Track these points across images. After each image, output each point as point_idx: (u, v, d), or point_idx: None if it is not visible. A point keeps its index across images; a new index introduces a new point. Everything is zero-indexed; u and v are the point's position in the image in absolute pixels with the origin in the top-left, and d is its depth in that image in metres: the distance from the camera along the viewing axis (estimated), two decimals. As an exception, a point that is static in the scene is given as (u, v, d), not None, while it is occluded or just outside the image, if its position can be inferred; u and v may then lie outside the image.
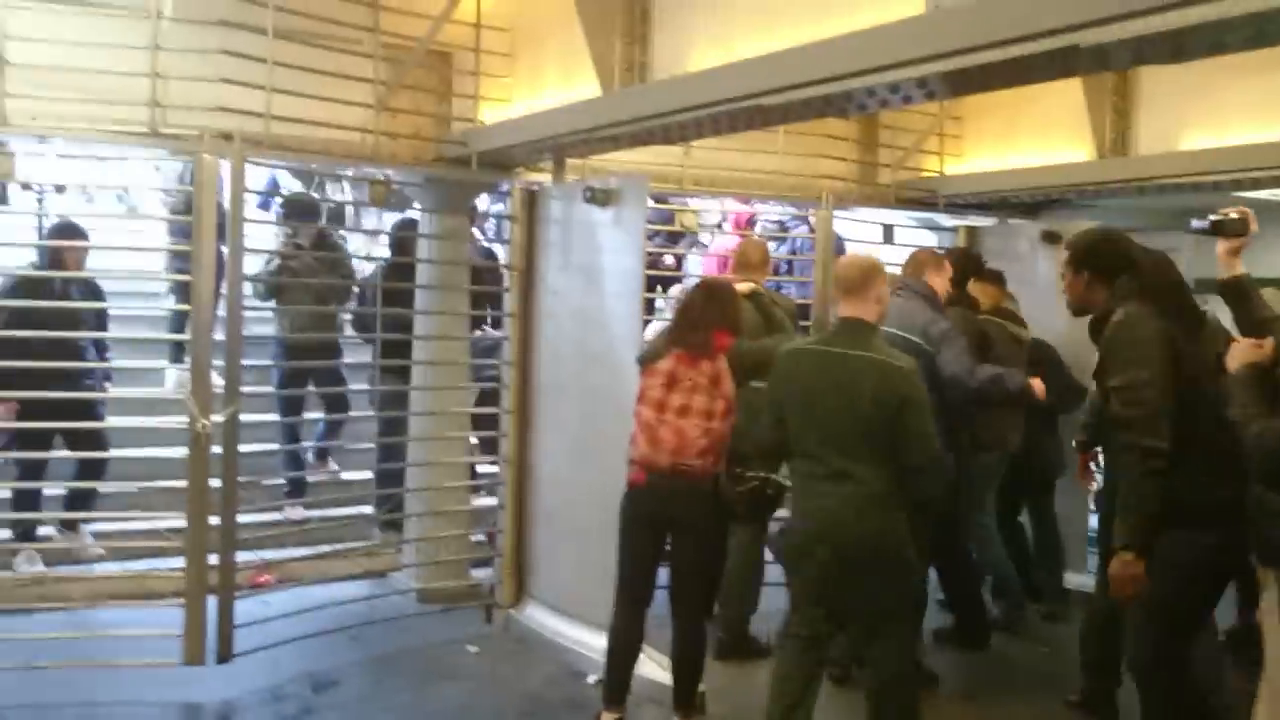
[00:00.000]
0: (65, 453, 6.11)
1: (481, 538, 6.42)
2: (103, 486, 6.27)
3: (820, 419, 3.86)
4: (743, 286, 5.20)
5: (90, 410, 6.03)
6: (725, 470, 4.50)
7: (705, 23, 4.63)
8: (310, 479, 7.48)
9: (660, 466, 4.40)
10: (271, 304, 7.21)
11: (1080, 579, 6.57)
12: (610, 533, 4.64)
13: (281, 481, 7.24)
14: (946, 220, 7.85)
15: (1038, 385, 5.20)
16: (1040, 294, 6.81)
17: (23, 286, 5.94)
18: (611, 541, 4.62)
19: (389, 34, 5.53)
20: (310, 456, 7.72)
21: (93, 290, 6.34)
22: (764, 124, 4.68)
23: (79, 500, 6.35)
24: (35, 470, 6.05)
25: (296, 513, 6.92)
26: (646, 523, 4.53)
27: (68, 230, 6.28)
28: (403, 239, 7.17)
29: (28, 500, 6.11)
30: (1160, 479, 3.60)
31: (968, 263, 6.19)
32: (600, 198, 5.27)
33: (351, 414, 7.37)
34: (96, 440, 6.04)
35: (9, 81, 4.73)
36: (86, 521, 6.37)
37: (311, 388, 7.38)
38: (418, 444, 6.32)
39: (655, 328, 6.23)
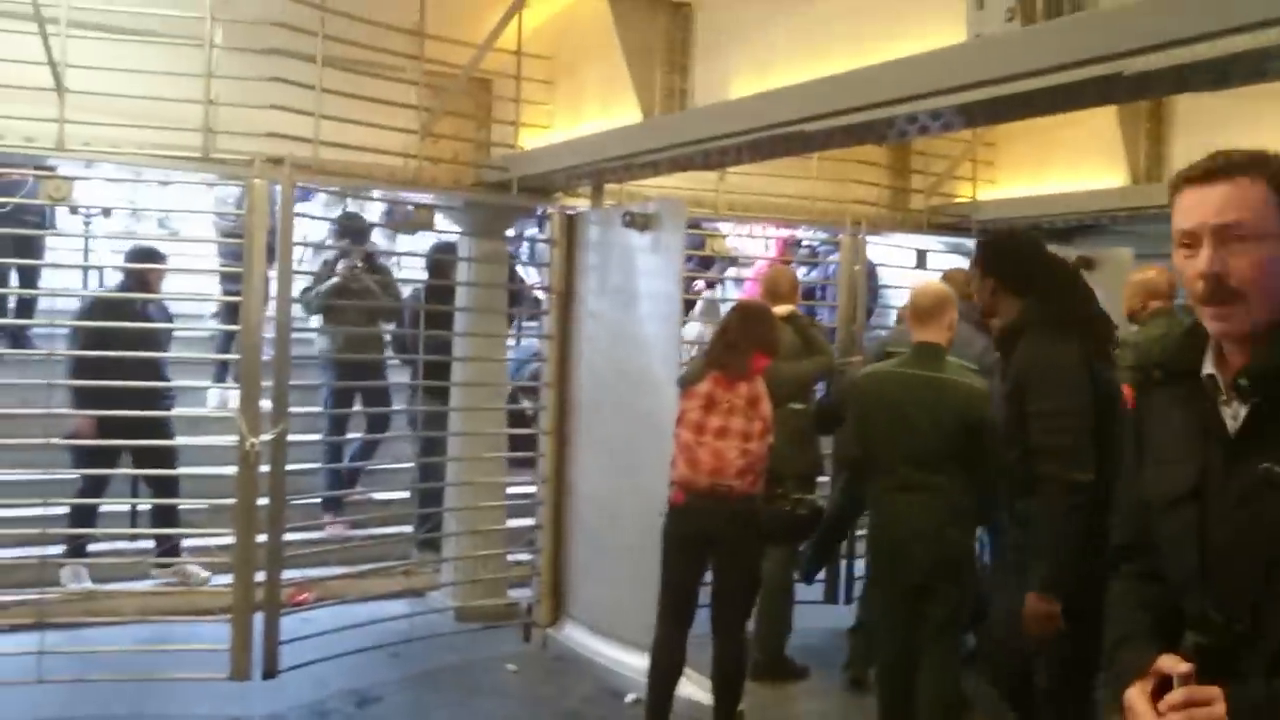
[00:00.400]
0: (136, 470, 6.30)
1: (521, 557, 6.46)
2: (149, 503, 6.38)
3: (904, 437, 4.07)
4: (780, 309, 5.27)
5: (166, 429, 6.17)
6: (764, 492, 4.58)
7: (745, 51, 4.72)
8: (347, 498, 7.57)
9: (699, 487, 4.46)
10: (317, 322, 7.34)
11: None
12: (649, 552, 4.69)
13: (319, 500, 7.31)
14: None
15: None
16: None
17: (101, 307, 6.05)
18: (650, 561, 4.67)
19: (432, 61, 5.65)
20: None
21: (166, 312, 6.61)
22: (803, 150, 4.77)
23: (165, 519, 6.40)
24: (99, 487, 6.18)
25: (338, 530, 6.99)
26: (687, 543, 4.59)
27: (151, 254, 6.45)
28: (439, 262, 7.27)
29: (87, 517, 6.23)
30: (1084, 515, 3.38)
31: None
32: (639, 222, 5.36)
33: (390, 434, 7.47)
34: (168, 459, 6.19)
35: (67, 108, 4.86)
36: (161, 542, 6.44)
37: (358, 406, 7.48)
38: (456, 464, 6.41)
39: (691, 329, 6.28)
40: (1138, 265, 6.68)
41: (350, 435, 7.54)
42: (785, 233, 8.82)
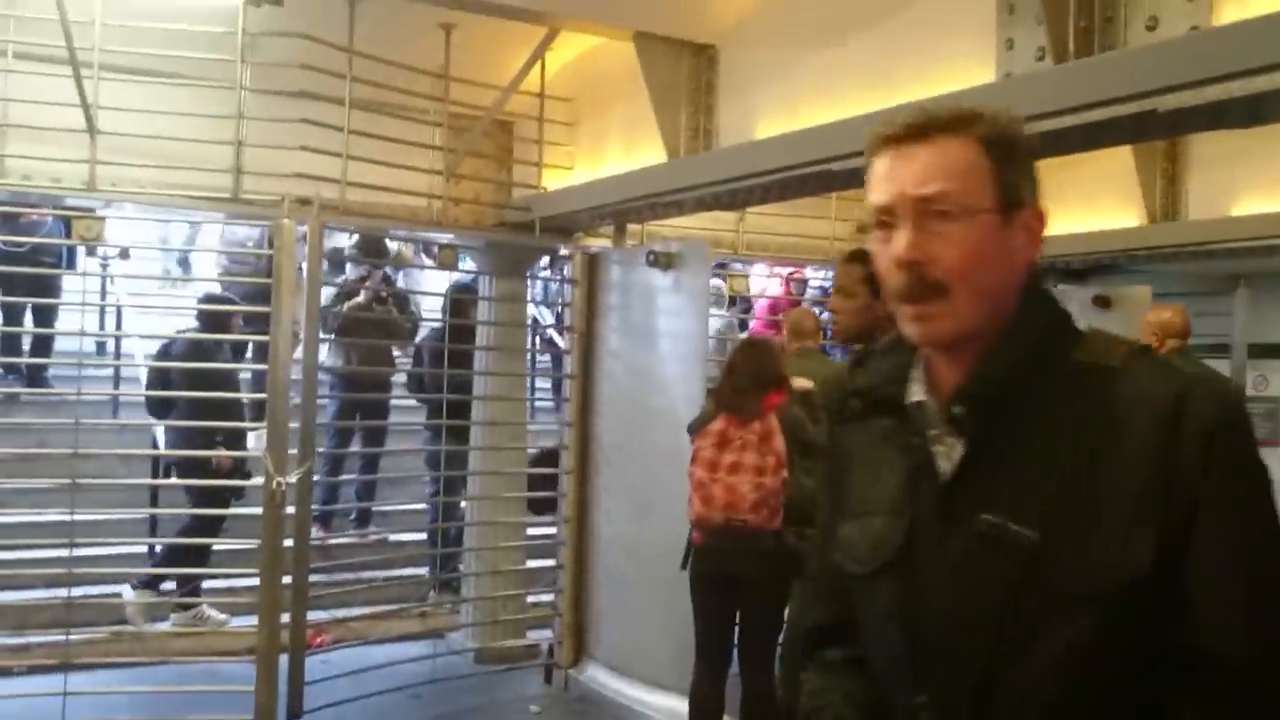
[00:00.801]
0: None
1: (542, 598, 6.43)
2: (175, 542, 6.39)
3: None
4: (796, 346, 5.34)
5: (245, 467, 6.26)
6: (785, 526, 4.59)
7: (772, 92, 4.77)
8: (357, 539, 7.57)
9: (714, 523, 4.47)
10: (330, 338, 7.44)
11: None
12: (672, 592, 4.70)
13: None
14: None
15: None
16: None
17: (184, 347, 6.36)
18: (673, 600, 4.69)
19: (455, 103, 5.70)
20: (353, 517, 7.82)
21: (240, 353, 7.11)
22: (830, 190, 4.80)
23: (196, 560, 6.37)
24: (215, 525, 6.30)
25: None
26: (711, 583, 4.59)
27: (226, 299, 6.85)
28: (458, 301, 7.30)
29: (200, 555, 6.25)
30: None
31: None
32: (663, 261, 5.39)
33: (408, 473, 7.48)
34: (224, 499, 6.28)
35: (99, 150, 4.91)
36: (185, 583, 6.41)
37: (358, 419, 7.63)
38: (476, 503, 6.40)
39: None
40: (1156, 304, 6.73)
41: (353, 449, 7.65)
42: (787, 270, 8.91)
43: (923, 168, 1.36)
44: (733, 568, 4.53)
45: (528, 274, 6.94)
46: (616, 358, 5.89)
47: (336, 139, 5.23)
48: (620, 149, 5.74)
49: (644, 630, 5.46)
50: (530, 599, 6.58)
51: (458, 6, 4.98)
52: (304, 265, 5.18)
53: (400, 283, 8.51)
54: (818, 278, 9.04)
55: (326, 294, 7.56)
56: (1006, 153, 1.39)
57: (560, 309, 9.39)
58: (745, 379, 4.59)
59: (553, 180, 6.14)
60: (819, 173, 4.24)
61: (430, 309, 9.11)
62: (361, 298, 7.47)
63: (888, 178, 1.39)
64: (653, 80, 5.02)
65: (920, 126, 1.38)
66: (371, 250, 7.83)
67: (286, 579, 4.97)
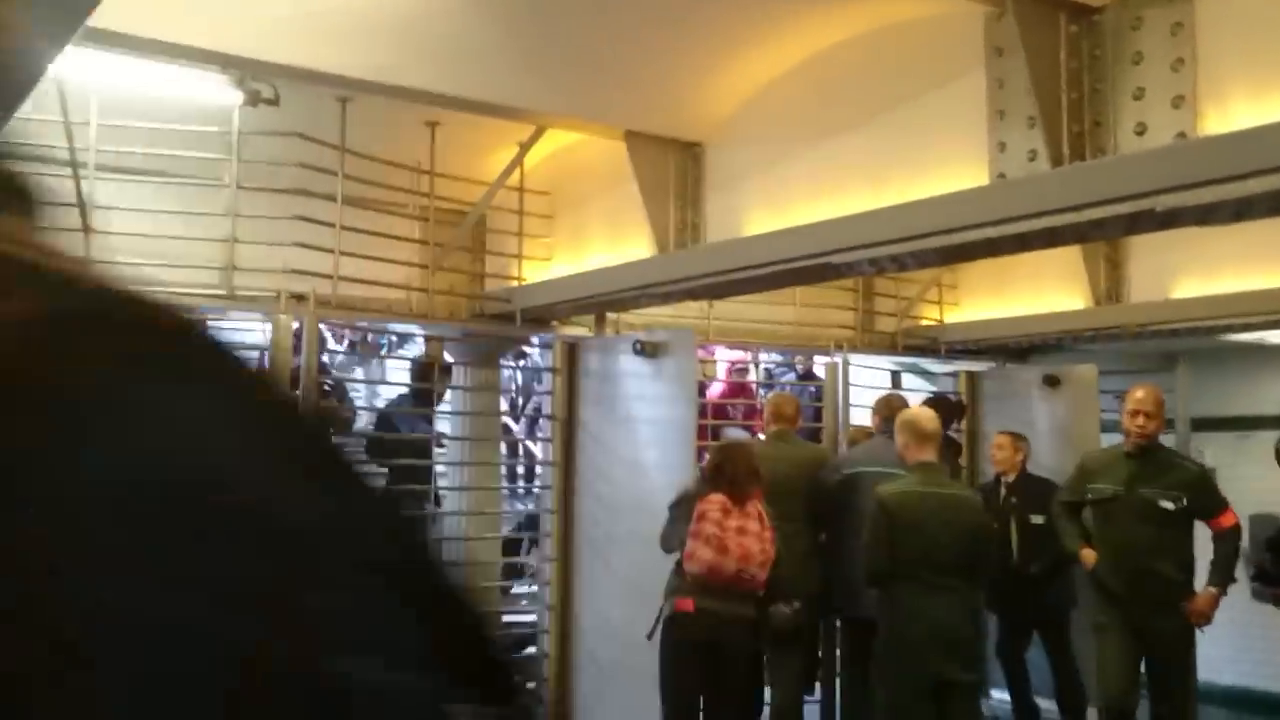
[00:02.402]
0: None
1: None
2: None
3: (927, 545, 4.69)
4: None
5: None
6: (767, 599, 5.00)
7: (760, 188, 4.99)
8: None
9: (726, 572, 4.69)
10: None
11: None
12: None
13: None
14: (942, 366, 8.24)
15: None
16: (1040, 434, 7.14)
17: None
18: None
19: (440, 198, 5.83)
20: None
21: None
22: (821, 280, 5.00)
23: None
24: None
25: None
26: (693, 650, 4.77)
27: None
28: (422, 366, 7.42)
29: None
30: None
31: (953, 409, 6.64)
32: (650, 349, 5.53)
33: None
34: None
35: (94, 249, 4.91)
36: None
37: None
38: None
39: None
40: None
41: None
42: (737, 354, 9.13)
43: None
44: (720, 635, 4.75)
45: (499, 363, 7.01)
46: (599, 444, 5.99)
47: (327, 235, 5.30)
48: (603, 241, 5.90)
49: (632, 716, 5.48)
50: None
51: (452, 106, 5.11)
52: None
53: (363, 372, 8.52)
54: (765, 360, 9.25)
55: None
56: None
57: (515, 395, 9.55)
58: (742, 474, 4.95)
59: (530, 272, 6.27)
60: (816, 266, 4.45)
61: (388, 395, 9.15)
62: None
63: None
64: (642, 176, 5.21)
65: None
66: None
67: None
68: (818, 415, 9.01)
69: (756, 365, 9.05)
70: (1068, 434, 7.23)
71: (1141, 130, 3.47)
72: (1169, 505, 5.19)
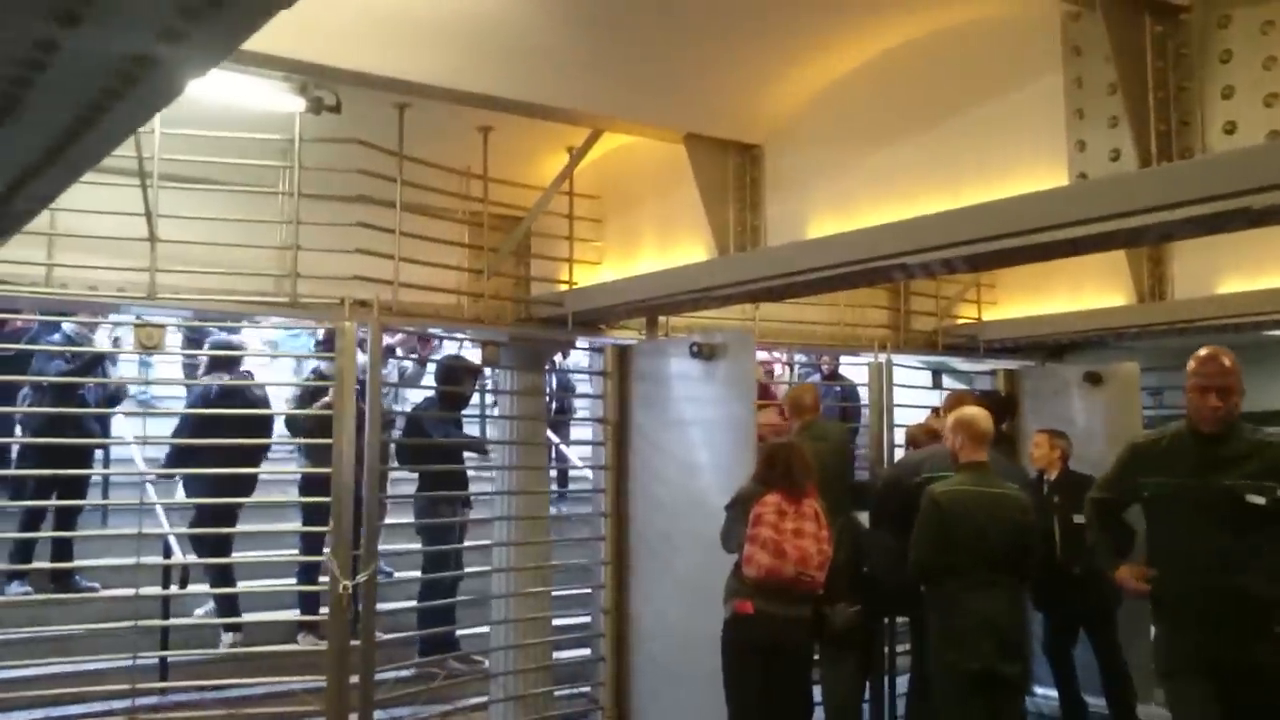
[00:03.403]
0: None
1: (580, 690, 6.41)
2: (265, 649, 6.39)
3: (977, 542, 4.78)
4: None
5: None
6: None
7: (823, 190, 4.99)
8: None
9: (785, 576, 4.74)
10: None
11: (1148, 710, 6.71)
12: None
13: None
14: (976, 365, 8.25)
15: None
16: (1080, 432, 7.15)
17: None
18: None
19: (494, 203, 5.83)
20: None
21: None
22: (884, 282, 5.01)
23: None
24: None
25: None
26: (753, 651, 4.85)
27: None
28: (450, 369, 7.44)
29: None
30: None
31: (1005, 405, 6.65)
32: (707, 352, 5.54)
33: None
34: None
35: (160, 258, 4.91)
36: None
37: None
38: (501, 601, 6.37)
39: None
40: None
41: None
42: (762, 356, 9.17)
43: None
44: (780, 637, 4.81)
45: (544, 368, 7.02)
46: (653, 446, 5.99)
47: (387, 241, 5.30)
48: (654, 245, 5.90)
49: (693, 717, 5.49)
50: (559, 693, 6.53)
51: (512, 110, 5.08)
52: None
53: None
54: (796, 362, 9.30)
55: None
56: None
57: (550, 399, 9.56)
58: (796, 470, 5.05)
59: (582, 275, 6.26)
60: (886, 267, 4.45)
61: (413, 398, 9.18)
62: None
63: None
64: (701, 179, 5.21)
65: None
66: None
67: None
68: (844, 415, 9.07)
69: (791, 367, 9.10)
70: (1109, 432, 7.24)
71: (1231, 129, 3.47)
72: (1259, 499, 3.93)
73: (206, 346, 7.70)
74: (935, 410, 6.93)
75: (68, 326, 7.03)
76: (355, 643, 4.94)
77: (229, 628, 6.75)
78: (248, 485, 6.82)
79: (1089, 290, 7.36)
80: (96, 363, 7.31)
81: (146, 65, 2.10)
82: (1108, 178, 3.69)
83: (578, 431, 10.03)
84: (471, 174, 5.73)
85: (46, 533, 7.09)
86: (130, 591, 5.47)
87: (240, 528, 6.91)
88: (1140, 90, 3.62)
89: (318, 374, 7.58)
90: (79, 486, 7.15)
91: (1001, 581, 4.81)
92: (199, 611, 7.05)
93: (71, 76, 2.15)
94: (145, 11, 1.82)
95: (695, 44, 4.66)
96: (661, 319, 6.44)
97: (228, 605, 6.72)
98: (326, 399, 6.52)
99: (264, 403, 7.24)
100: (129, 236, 4.85)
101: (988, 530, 4.79)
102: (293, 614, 6.86)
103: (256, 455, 6.88)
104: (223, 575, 6.63)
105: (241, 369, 7.60)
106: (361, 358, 5.12)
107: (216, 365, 7.23)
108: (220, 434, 6.11)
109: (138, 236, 4.86)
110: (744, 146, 5.29)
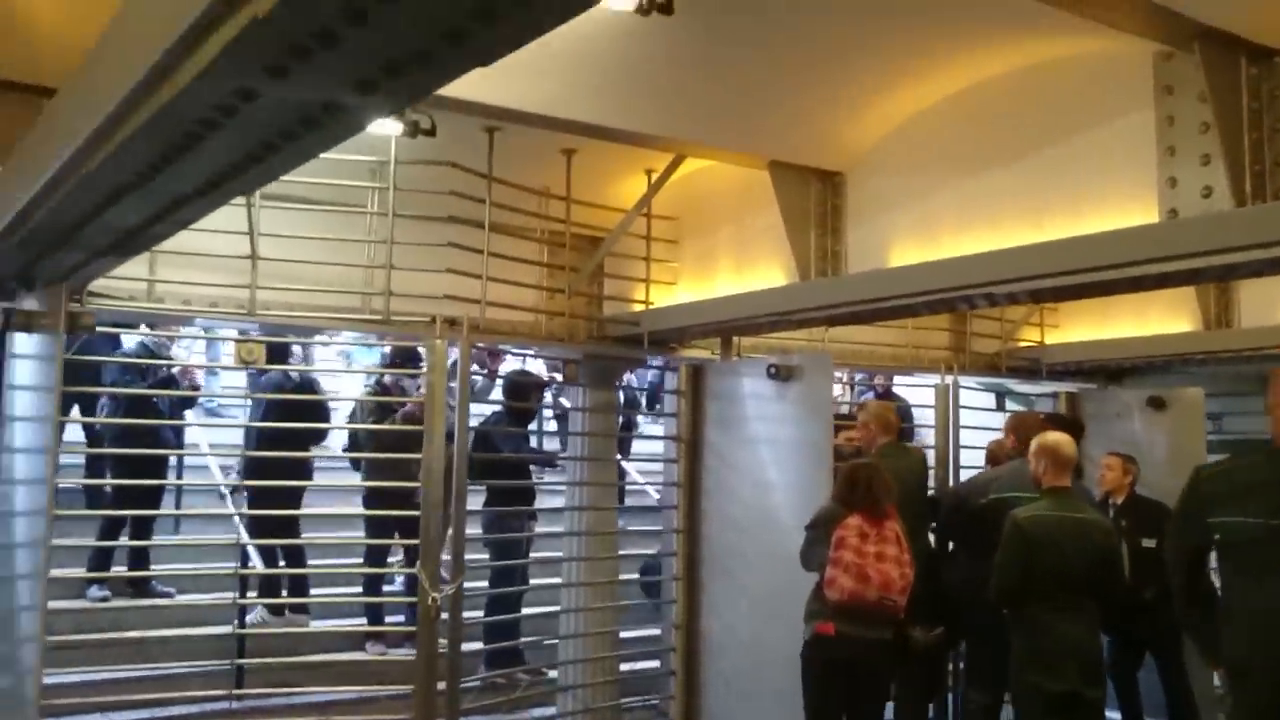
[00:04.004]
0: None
1: (650, 702, 6.51)
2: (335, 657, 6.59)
3: (1060, 566, 4.85)
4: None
5: None
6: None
7: (904, 218, 5.09)
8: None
9: (868, 601, 4.79)
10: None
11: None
12: (797, 695, 4.98)
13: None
14: (1036, 387, 8.31)
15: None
16: (1142, 456, 7.18)
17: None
18: (798, 703, 4.96)
19: (576, 224, 5.97)
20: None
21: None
22: (967, 309, 5.09)
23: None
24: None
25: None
26: (833, 671, 4.91)
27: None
28: (517, 384, 7.56)
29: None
30: None
31: (1076, 429, 6.69)
32: (784, 374, 5.64)
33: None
34: None
35: (260, 276, 5.08)
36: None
37: None
38: (570, 614, 6.48)
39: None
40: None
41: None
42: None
43: None
44: (863, 658, 4.89)
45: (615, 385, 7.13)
46: (726, 464, 6.09)
47: (474, 260, 5.44)
48: (731, 267, 6.02)
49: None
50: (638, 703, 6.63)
51: (600, 136, 5.21)
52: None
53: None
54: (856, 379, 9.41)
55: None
56: None
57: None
58: (878, 491, 5.07)
59: (658, 295, 6.38)
60: (971, 296, 4.55)
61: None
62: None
63: None
64: (784, 204, 5.32)
65: None
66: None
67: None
68: (899, 434, 9.15)
69: (852, 387, 9.19)
70: (1171, 457, 7.27)
71: (1328, 169, 3.55)
72: None
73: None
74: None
75: (145, 339, 7.22)
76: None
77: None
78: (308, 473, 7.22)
79: (1154, 315, 7.40)
80: (172, 375, 7.53)
81: (332, 111, 2.24)
82: (1201, 215, 3.76)
83: (639, 447, 10.15)
84: (555, 195, 5.87)
85: (121, 540, 7.30)
86: (209, 598, 5.62)
87: (306, 537, 7.14)
88: (1235, 129, 3.71)
89: (381, 387, 7.73)
90: (155, 494, 7.36)
91: (1084, 605, 4.89)
92: (250, 618, 7.18)
93: (258, 121, 2.29)
94: (351, 66, 1.94)
95: (782, 74, 4.76)
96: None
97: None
98: (408, 410, 6.72)
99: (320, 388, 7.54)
100: (232, 254, 5.01)
101: (1071, 555, 4.86)
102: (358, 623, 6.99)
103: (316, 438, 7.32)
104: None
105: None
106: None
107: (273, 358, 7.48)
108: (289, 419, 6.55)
109: (240, 254, 5.02)
110: (826, 173, 5.40)
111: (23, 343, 4.13)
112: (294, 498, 7.02)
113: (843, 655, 4.95)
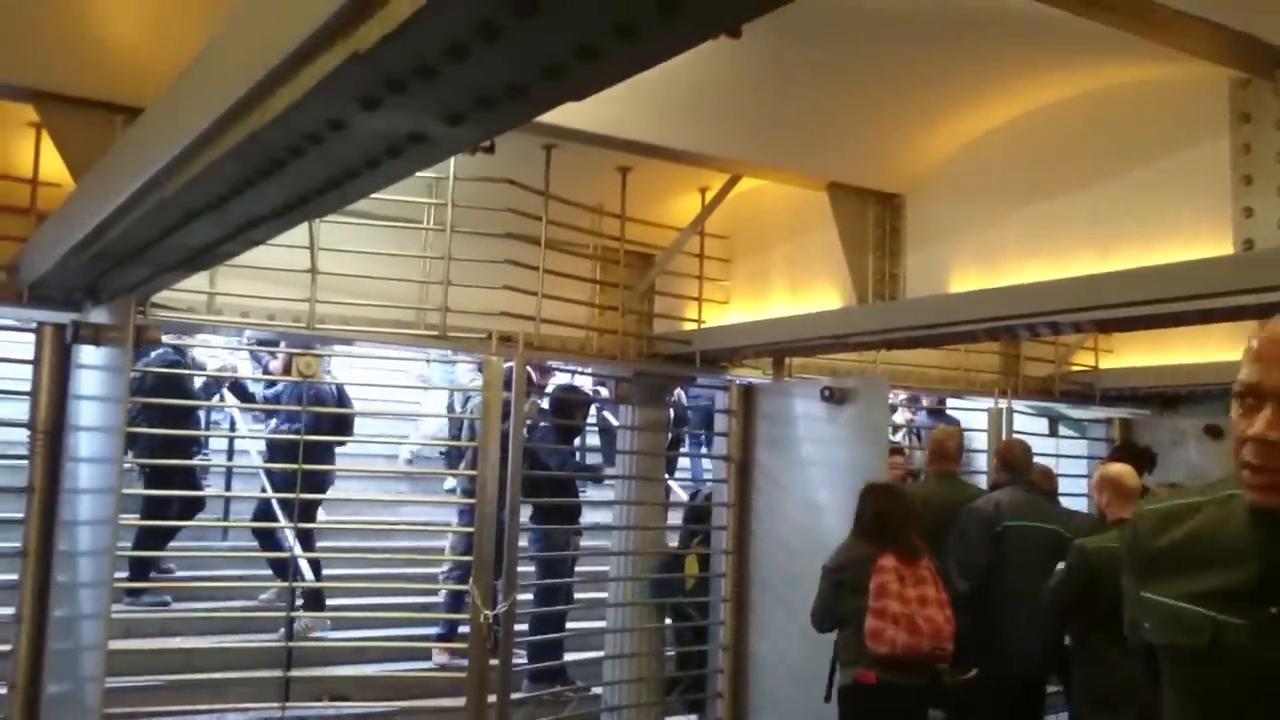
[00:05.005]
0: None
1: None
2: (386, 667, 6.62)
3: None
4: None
5: None
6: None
7: (965, 242, 5.04)
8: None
9: (922, 653, 4.65)
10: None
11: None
12: None
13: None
14: (1086, 413, 8.21)
15: None
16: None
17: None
18: None
19: (630, 241, 5.96)
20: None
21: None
22: (1030, 337, 5.03)
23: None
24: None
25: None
26: (875, 717, 4.78)
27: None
28: (564, 401, 7.57)
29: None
30: None
31: (1146, 458, 6.58)
32: (838, 396, 5.60)
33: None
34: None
35: (319, 290, 5.11)
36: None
37: None
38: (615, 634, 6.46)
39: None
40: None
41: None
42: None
43: None
44: (906, 702, 4.75)
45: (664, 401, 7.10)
46: (776, 486, 6.05)
47: (530, 277, 5.45)
48: (784, 288, 5.99)
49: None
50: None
51: (658, 155, 5.19)
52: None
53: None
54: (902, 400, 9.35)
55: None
56: None
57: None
58: (903, 523, 4.91)
59: (709, 315, 6.36)
60: (1035, 324, 4.49)
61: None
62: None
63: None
64: (842, 226, 5.29)
65: None
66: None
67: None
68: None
69: (902, 408, 9.14)
70: (1229, 487, 7.15)
71: None
72: None
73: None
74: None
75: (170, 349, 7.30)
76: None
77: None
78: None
79: (1213, 342, 7.28)
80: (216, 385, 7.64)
81: (417, 142, 2.24)
82: (1277, 246, 3.69)
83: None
84: (609, 213, 5.87)
85: (130, 550, 7.36)
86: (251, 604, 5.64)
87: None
88: (1315, 160, 3.64)
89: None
90: (192, 502, 7.47)
91: None
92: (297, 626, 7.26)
93: (343, 149, 2.29)
94: (445, 99, 1.94)
95: (844, 96, 4.74)
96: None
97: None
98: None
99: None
100: (293, 268, 5.04)
101: None
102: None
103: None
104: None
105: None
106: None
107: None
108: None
109: (300, 268, 5.06)
110: (885, 195, 5.36)
111: (89, 354, 4.16)
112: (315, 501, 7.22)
113: (887, 706, 4.79)
